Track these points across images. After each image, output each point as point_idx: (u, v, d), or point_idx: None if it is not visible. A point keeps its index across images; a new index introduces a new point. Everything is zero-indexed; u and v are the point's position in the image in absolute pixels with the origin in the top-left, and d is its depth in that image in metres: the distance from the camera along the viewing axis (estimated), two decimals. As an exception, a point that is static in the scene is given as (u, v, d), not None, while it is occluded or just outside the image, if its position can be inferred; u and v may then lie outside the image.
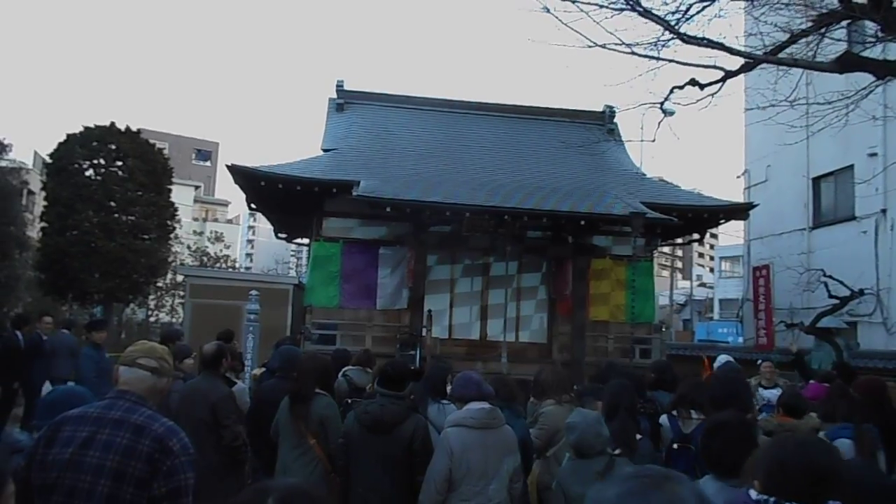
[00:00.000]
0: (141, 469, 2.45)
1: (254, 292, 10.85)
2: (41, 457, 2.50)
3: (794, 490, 1.95)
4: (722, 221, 16.52)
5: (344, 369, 6.96)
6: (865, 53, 7.89)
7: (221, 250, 35.55)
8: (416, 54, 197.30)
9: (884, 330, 14.56)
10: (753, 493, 2.06)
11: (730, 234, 46.50)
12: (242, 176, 13.38)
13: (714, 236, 37.91)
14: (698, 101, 8.28)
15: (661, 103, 8.69)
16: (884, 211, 14.76)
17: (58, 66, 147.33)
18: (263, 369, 7.99)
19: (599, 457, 3.68)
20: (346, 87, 18.00)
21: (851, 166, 15.67)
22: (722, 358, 8.45)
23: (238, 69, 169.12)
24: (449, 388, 5.23)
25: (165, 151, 23.71)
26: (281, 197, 13.68)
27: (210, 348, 5.76)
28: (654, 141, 12.86)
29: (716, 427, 2.99)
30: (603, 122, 18.23)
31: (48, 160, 19.26)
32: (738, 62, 7.86)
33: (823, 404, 5.11)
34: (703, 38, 7.31)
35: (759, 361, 9.10)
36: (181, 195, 35.94)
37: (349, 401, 6.56)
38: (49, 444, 2.52)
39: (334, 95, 17.92)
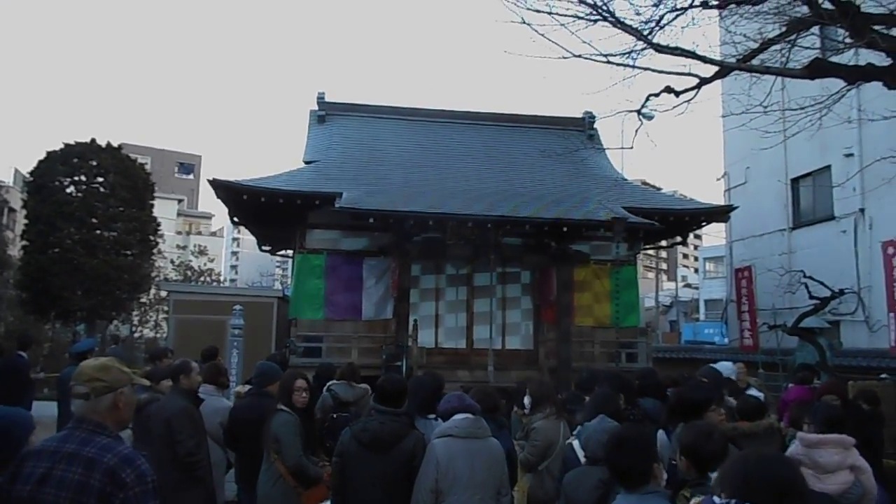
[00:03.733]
0: None
1: (237, 307, 10.79)
2: (7, 493, 2.48)
3: (758, 501, 2.04)
4: (703, 224, 16.65)
5: (328, 384, 6.92)
6: (837, 59, 8.02)
7: (205, 264, 35.41)
8: (397, 65, 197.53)
9: (866, 328, 14.71)
10: (717, 500, 2.13)
11: (713, 234, 46.85)
12: (225, 190, 13.34)
13: (698, 237, 38.21)
14: (675, 107, 8.38)
15: (639, 110, 8.77)
16: (862, 210, 14.94)
17: (37, 82, 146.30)
18: (249, 386, 7.92)
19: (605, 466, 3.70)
20: (326, 99, 18.00)
21: (829, 167, 15.86)
22: (722, 365, 8.33)
23: (219, 82, 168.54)
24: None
25: (147, 166, 23.75)
26: (264, 210, 13.65)
27: (174, 364, 5.80)
28: (632, 148, 13.02)
29: (619, 441, 3.07)
30: (583, 128, 18.33)
31: (28, 178, 19.16)
32: (712, 70, 7.96)
33: (797, 408, 5.15)
34: (676, 48, 7.41)
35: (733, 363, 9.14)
36: (164, 209, 35.84)
37: (334, 416, 6.55)
38: (13, 480, 2.50)
39: (315, 107, 17.92)
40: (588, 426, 3.90)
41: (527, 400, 5.96)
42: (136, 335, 28.10)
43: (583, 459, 4.35)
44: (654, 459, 3.06)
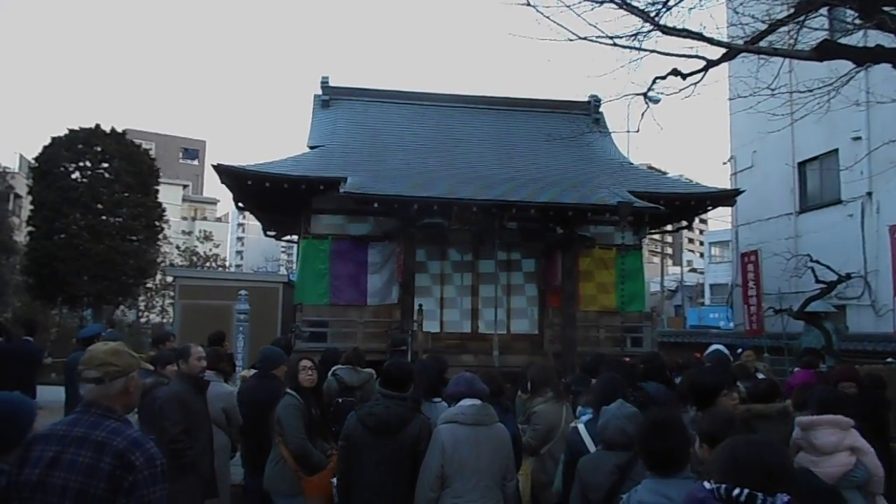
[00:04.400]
0: (103, 489, 2.41)
1: (243, 292, 10.84)
2: (16, 477, 2.50)
3: (747, 485, 2.08)
4: (709, 208, 16.57)
5: (333, 368, 6.94)
6: (845, 41, 7.93)
7: (211, 249, 35.44)
8: (401, 49, 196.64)
9: (872, 312, 14.66)
10: (707, 485, 2.19)
11: (719, 219, 46.69)
12: (229, 175, 13.32)
13: (703, 221, 38.07)
14: (681, 90, 8.31)
15: (645, 93, 8.70)
16: (869, 194, 14.84)
17: (42, 68, 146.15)
18: (254, 370, 7.94)
19: (624, 452, 3.69)
20: (331, 84, 17.92)
21: (836, 150, 15.74)
22: (714, 347, 8.44)
23: (224, 67, 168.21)
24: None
25: (152, 151, 23.65)
26: (268, 195, 13.63)
27: (177, 349, 5.85)
28: (638, 131, 12.84)
29: (656, 426, 3.02)
30: (589, 112, 18.22)
31: (34, 164, 19.16)
32: (719, 52, 7.88)
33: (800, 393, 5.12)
34: (683, 29, 7.33)
35: (739, 350, 9.18)
36: (169, 195, 35.84)
37: (339, 400, 6.57)
38: (22, 464, 2.51)
39: (319, 91, 17.85)
40: (607, 410, 3.87)
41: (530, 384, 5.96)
42: (143, 320, 28.22)
43: (588, 443, 4.35)
44: (690, 444, 3.06)
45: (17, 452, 2.57)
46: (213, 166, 13.21)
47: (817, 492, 3.16)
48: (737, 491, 2.07)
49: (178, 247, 32.98)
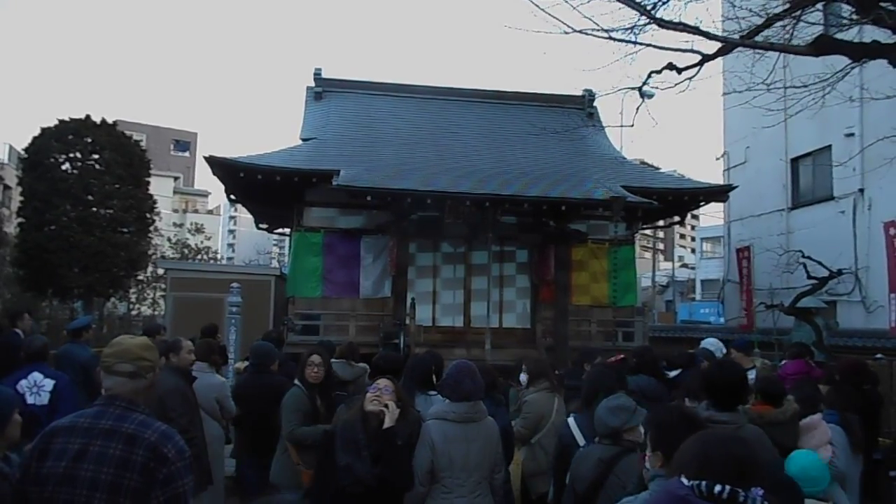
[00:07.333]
0: (137, 480, 2.41)
1: (235, 284, 10.76)
2: (35, 470, 2.45)
3: (722, 481, 2.08)
4: (702, 203, 16.61)
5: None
6: (841, 36, 7.93)
7: (202, 242, 35.27)
8: (396, 41, 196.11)
9: (863, 308, 14.73)
10: (685, 480, 2.16)
11: (711, 214, 46.86)
12: (221, 167, 13.25)
13: (695, 217, 38.20)
14: (676, 84, 8.30)
15: (640, 87, 8.69)
16: (861, 191, 14.89)
17: (31, 58, 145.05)
18: (247, 363, 7.93)
19: (611, 446, 3.67)
20: (323, 75, 17.85)
21: (829, 147, 15.79)
22: (708, 342, 8.36)
23: (216, 58, 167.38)
24: (435, 378, 5.19)
25: (143, 143, 23.55)
26: (261, 188, 13.57)
27: (168, 342, 5.85)
28: (632, 125, 12.78)
29: (672, 424, 2.85)
30: (583, 106, 18.23)
31: (23, 154, 19.03)
32: (715, 46, 7.87)
33: (800, 388, 5.11)
34: (679, 23, 7.32)
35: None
36: (160, 187, 35.65)
37: (333, 394, 6.56)
38: (42, 457, 2.47)
39: (312, 83, 17.78)
40: (602, 404, 3.86)
41: (523, 377, 5.96)
42: (134, 313, 28.05)
43: (578, 436, 4.34)
44: None
45: (34, 444, 2.53)
46: (205, 158, 13.14)
47: (780, 485, 3.15)
48: (718, 488, 2.06)
49: (169, 239, 32.81)
